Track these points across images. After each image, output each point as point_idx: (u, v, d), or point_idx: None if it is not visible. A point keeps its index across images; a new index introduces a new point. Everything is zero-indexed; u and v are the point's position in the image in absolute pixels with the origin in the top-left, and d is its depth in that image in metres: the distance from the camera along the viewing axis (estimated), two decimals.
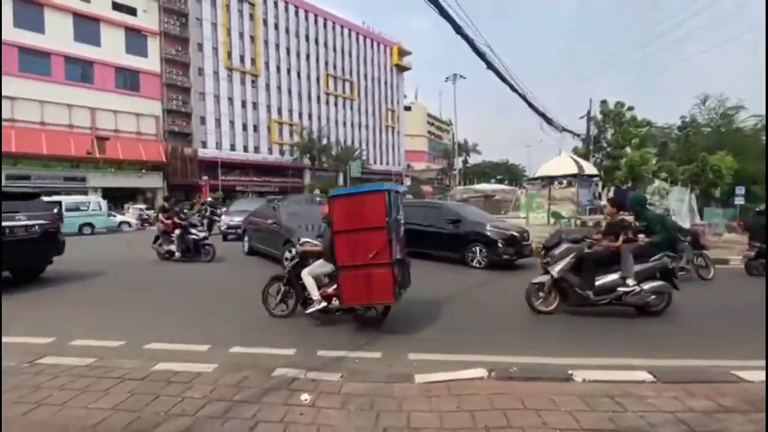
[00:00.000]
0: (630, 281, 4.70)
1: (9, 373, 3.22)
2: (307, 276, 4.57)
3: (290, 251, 7.60)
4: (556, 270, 4.87)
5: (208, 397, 2.79)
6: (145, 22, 35.73)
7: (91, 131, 32.34)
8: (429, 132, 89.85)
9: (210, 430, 2.40)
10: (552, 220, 13.51)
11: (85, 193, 28.02)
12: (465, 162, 57.77)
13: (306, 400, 2.75)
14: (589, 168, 17.23)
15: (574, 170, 15.20)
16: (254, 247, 9.94)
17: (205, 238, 9.75)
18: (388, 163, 58.01)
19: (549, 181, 14.59)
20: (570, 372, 3.12)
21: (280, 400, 2.74)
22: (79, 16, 32.38)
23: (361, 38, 54.90)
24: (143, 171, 33.91)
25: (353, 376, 3.19)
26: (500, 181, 46.19)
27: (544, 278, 5.00)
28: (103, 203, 19.80)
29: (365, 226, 4.05)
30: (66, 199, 18.02)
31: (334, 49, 51.49)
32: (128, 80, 35.07)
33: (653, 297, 4.72)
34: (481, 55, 7.88)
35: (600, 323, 4.81)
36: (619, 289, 4.74)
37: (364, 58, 55.42)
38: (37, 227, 6.64)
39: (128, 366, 3.34)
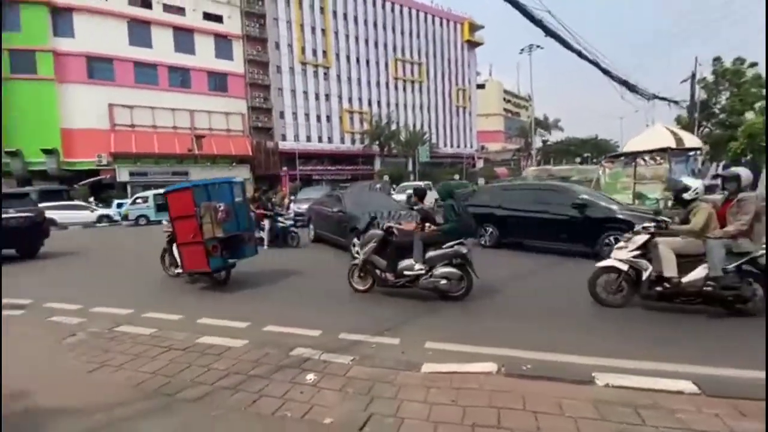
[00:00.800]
0: (417, 266, 4.94)
1: (93, 336, 3.97)
2: (174, 248, 6.25)
3: (357, 238, 7.46)
4: (362, 253, 5.36)
5: (229, 369, 3.13)
6: (230, 28, 39.18)
7: (190, 131, 36.85)
8: (505, 110, 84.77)
9: (220, 399, 2.70)
10: (636, 202, 11.87)
11: None
12: (545, 140, 53.21)
13: (310, 379, 2.92)
14: (691, 140, 14.75)
15: (671, 143, 13.14)
16: (320, 235, 9.92)
17: (292, 225, 10.16)
18: (459, 146, 56.22)
19: (632, 157, 12.77)
20: (593, 374, 2.82)
21: (288, 378, 2.96)
22: (177, 29, 36.72)
23: (429, 18, 53.31)
24: (233, 164, 37.73)
25: (364, 360, 3.28)
26: (586, 160, 41.78)
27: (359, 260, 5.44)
28: None
29: (183, 214, 5.58)
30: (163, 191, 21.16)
31: (402, 33, 50.88)
32: (218, 83, 39.03)
33: (444, 282, 4.87)
34: (538, 22, 7.08)
35: (670, 323, 4.20)
36: (407, 272, 5.01)
37: (433, 37, 53.81)
38: (25, 218, 8.83)
39: (178, 338, 3.87)
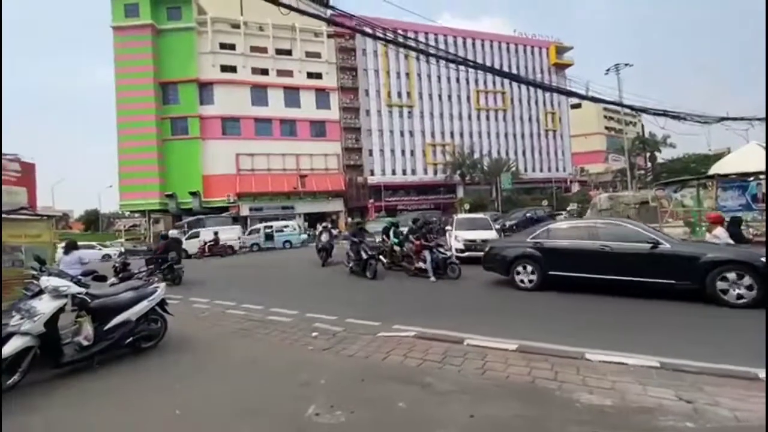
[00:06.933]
0: None
1: (213, 314, 6.11)
2: None
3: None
4: None
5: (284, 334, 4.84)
6: (328, 82, 45.33)
7: (296, 172, 42.89)
8: (608, 128, 78.04)
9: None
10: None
11: (294, 218, 37.37)
12: (653, 158, 47.42)
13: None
14: None
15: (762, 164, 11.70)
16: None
17: (452, 256, 9.61)
18: (550, 170, 53.68)
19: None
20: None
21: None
22: (287, 88, 43.93)
23: (511, 48, 53.72)
24: (329, 198, 42.52)
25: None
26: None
27: None
28: (296, 226, 26.56)
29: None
30: (274, 224, 25.33)
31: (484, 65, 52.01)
32: (318, 129, 45.02)
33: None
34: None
35: None
36: None
37: (516, 65, 53.80)
38: None
39: (256, 316, 5.78)
